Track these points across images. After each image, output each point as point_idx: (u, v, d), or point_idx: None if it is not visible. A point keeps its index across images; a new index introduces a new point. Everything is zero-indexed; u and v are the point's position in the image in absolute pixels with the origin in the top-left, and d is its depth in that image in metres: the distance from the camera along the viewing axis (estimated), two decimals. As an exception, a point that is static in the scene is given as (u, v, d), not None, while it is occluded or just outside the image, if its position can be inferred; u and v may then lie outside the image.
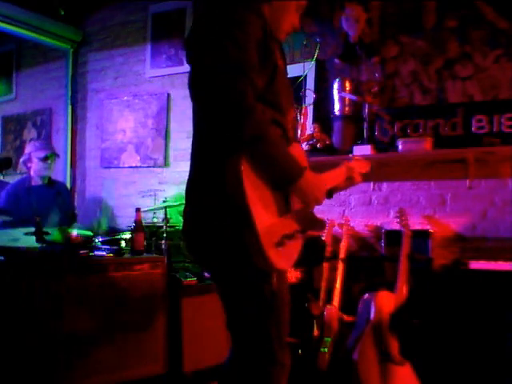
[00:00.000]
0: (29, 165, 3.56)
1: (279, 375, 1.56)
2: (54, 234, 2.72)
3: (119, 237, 3.17)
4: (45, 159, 3.52)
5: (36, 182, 3.57)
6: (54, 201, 3.56)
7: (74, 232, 2.79)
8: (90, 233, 3.11)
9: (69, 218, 3.63)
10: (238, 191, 1.34)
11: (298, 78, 3.49)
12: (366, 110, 3.28)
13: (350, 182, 1.82)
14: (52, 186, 3.63)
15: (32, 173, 3.56)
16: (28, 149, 3.61)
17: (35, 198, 3.40)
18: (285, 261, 1.47)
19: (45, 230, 2.63)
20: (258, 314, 1.50)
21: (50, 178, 3.65)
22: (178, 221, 4.11)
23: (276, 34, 1.56)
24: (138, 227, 2.92)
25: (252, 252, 1.36)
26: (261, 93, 1.38)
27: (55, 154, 3.65)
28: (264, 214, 1.38)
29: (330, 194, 1.74)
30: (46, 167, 3.55)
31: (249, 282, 1.48)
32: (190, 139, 1.61)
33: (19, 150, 5.03)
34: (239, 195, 1.34)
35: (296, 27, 1.66)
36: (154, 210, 3.61)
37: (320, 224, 1.76)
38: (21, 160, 3.63)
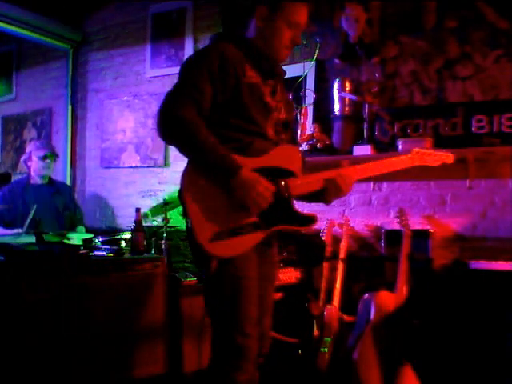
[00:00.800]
0: (29, 163, 3.57)
1: (239, 364, 1.65)
2: (50, 238, 2.73)
3: (119, 237, 3.17)
4: (44, 158, 3.53)
5: (35, 181, 3.57)
6: (51, 200, 3.55)
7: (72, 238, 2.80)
8: (89, 234, 3.11)
9: (69, 218, 3.62)
10: (183, 194, 1.65)
11: (297, 78, 3.49)
12: (366, 110, 3.28)
13: (335, 190, 1.83)
14: (51, 186, 3.63)
15: (32, 172, 3.58)
16: (29, 148, 3.63)
17: (32, 197, 3.39)
18: (226, 249, 1.65)
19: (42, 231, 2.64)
20: (212, 297, 1.74)
21: (50, 178, 3.66)
22: (178, 221, 4.12)
23: (271, 51, 1.78)
24: (138, 227, 2.92)
25: (193, 244, 1.68)
26: (222, 105, 1.69)
27: (55, 154, 3.66)
28: (204, 214, 1.64)
29: (311, 197, 1.87)
30: (46, 166, 3.55)
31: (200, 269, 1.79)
32: (190, 139, 1.66)
33: (19, 150, 5.04)
34: (182, 198, 1.65)
35: (296, 42, 1.80)
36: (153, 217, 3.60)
37: (308, 220, 1.82)
38: (21, 159, 3.66)
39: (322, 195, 1.85)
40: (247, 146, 1.73)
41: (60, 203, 3.59)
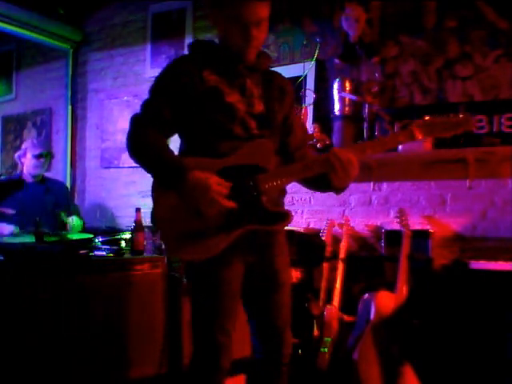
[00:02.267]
0: (22, 160, 3.54)
1: (205, 364, 1.77)
2: (50, 238, 2.73)
3: (119, 237, 3.17)
4: (39, 157, 3.50)
5: (27, 178, 3.53)
6: (43, 199, 3.52)
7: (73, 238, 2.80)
8: (89, 234, 3.11)
9: (60, 216, 3.57)
10: (153, 201, 1.75)
11: (298, 77, 3.49)
12: (366, 110, 3.28)
13: (333, 171, 1.71)
14: (43, 184, 3.59)
15: (24, 169, 3.54)
16: (25, 145, 3.62)
17: (21, 196, 3.35)
18: (193, 254, 1.71)
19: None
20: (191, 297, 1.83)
21: (43, 176, 3.63)
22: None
23: (233, 51, 1.77)
24: (138, 227, 2.92)
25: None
26: (187, 117, 1.77)
27: (50, 154, 3.65)
28: (169, 221, 1.71)
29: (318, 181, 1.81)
30: (39, 165, 3.52)
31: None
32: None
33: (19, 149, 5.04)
34: (152, 212, 1.75)
35: (250, 39, 1.73)
36: None
37: (280, 217, 1.78)
38: (16, 154, 3.63)
39: (324, 181, 1.77)
40: (213, 149, 1.75)
41: (51, 202, 3.55)
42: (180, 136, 1.86)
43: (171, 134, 1.84)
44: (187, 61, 1.82)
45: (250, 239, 1.76)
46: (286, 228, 1.92)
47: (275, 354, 1.88)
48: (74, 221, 3.34)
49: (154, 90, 1.81)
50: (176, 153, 1.81)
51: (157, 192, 1.75)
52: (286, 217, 1.77)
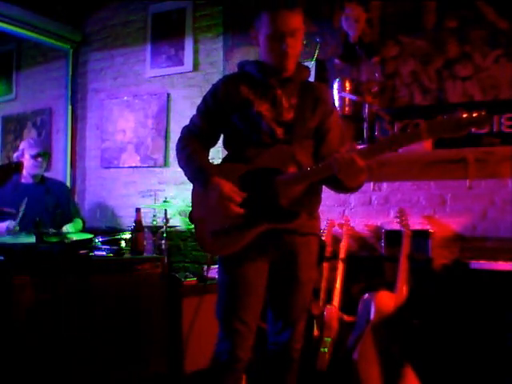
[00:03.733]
0: (21, 160, 3.55)
1: (225, 357, 1.89)
2: (50, 238, 2.72)
3: (119, 237, 3.17)
4: (36, 157, 3.49)
5: (27, 179, 3.52)
6: (42, 199, 3.51)
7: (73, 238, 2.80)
8: (89, 234, 3.11)
9: (61, 216, 3.57)
10: (191, 202, 2.02)
11: (298, 78, 3.49)
12: (366, 110, 3.28)
13: (340, 171, 1.74)
14: (42, 185, 3.58)
15: (23, 170, 3.54)
16: (22, 145, 3.60)
17: (21, 195, 3.35)
18: (218, 248, 1.96)
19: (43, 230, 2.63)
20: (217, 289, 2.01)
21: (42, 177, 3.63)
22: (178, 221, 4.12)
23: (271, 64, 1.92)
24: (138, 227, 2.92)
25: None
26: (225, 131, 2.04)
27: (47, 153, 3.64)
28: (201, 218, 1.97)
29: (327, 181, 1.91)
30: (37, 165, 3.52)
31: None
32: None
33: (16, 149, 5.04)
34: (191, 207, 2.02)
35: (284, 52, 1.86)
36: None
37: (291, 215, 1.89)
38: (14, 155, 3.64)
39: (337, 182, 1.84)
40: (242, 155, 1.95)
41: (51, 202, 3.54)
42: (223, 145, 2.09)
43: (210, 144, 2.08)
44: (228, 80, 2.03)
45: (274, 238, 1.90)
46: (312, 228, 2.01)
47: (284, 346, 1.99)
48: (67, 230, 3.33)
49: (198, 106, 2.07)
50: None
51: (193, 194, 2.01)
52: (296, 214, 1.87)
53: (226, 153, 2.08)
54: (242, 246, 1.87)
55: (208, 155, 2.07)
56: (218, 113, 1.99)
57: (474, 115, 1.62)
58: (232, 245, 1.89)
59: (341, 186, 1.90)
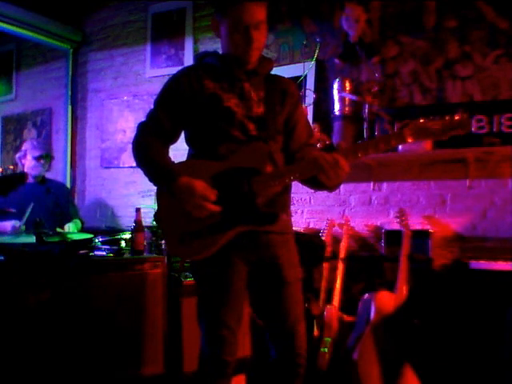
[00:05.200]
0: (23, 161, 3.59)
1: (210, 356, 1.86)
2: (50, 238, 2.72)
3: (119, 237, 3.17)
4: (38, 158, 3.53)
5: (28, 179, 3.55)
6: (43, 199, 3.52)
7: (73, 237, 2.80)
8: (89, 234, 3.11)
9: (60, 216, 3.58)
10: (157, 203, 1.91)
11: (298, 77, 3.49)
12: (366, 110, 3.28)
13: (322, 172, 1.74)
14: (43, 185, 3.59)
15: (25, 170, 3.58)
16: (25, 146, 3.64)
17: (22, 195, 3.36)
18: (190, 252, 1.84)
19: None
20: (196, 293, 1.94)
21: (43, 177, 3.65)
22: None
23: (235, 56, 1.85)
24: (138, 227, 2.92)
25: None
26: (190, 126, 1.92)
27: (50, 156, 3.67)
28: (170, 222, 1.85)
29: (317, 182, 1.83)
30: (39, 166, 3.55)
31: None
32: (190, 139, 1.69)
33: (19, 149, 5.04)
34: (156, 213, 1.91)
35: (248, 44, 1.80)
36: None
37: (269, 218, 1.83)
38: (16, 155, 3.67)
39: (318, 180, 1.80)
40: (213, 152, 1.85)
41: (52, 202, 3.56)
42: (186, 141, 1.98)
43: (171, 142, 1.95)
44: (189, 71, 1.93)
45: (251, 239, 1.82)
46: (287, 227, 1.95)
47: (288, 353, 1.89)
48: (69, 228, 3.34)
49: (157, 101, 1.95)
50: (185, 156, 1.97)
51: (159, 194, 1.90)
52: (275, 217, 1.81)
53: (190, 149, 1.99)
54: (215, 250, 1.78)
55: (168, 153, 1.94)
56: (182, 107, 1.88)
57: (456, 118, 1.65)
58: (204, 249, 1.79)
59: (320, 185, 1.86)
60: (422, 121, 1.70)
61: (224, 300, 1.84)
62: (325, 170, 1.71)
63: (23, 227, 3.07)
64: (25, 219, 3.05)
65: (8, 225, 3.11)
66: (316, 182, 1.82)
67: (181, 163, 1.91)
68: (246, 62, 1.86)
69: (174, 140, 1.96)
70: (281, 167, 1.87)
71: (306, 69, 3.52)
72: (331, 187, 1.88)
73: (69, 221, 3.51)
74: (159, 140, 1.89)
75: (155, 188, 1.93)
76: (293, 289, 1.90)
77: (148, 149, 1.88)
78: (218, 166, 1.82)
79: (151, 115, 1.93)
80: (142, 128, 1.93)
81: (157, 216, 1.90)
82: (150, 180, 1.88)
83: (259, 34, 1.82)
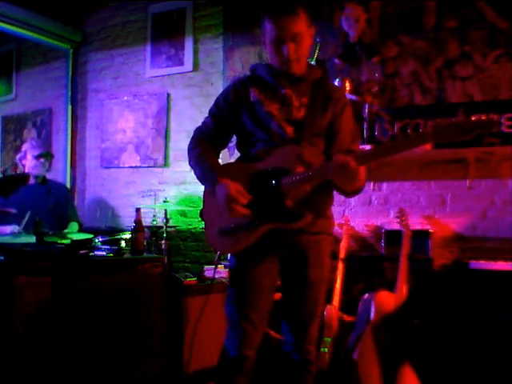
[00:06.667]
0: (23, 162, 3.58)
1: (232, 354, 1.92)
2: (50, 238, 2.72)
3: (119, 237, 3.17)
4: (38, 157, 3.52)
5: (29, 180, 3.55)
6: (44, 200, 3.52)
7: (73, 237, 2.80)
8: (89, 234, 3.11)
9: (59, 217, 3.58)
10: (203, 200, 2.08)
11: (298, 77, 3.49)
12: (366, 110, 3.29)
13: (336, 176, 1.76)
14: (44, 185, 3.60)
15: (26, 171, 3.57)
16: (24, 146, 3.64)
17: (22, 196, 3.36)
18: (226, 246, 2.01)
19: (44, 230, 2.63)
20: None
21: (44, 178, 3.65)
22: (178, 221, 4.12)
23: (278, 68, 1.95)
24: (138, 227, 2.92)
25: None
26: (237, 131, 2.07)
27: (50, 154, 3.66)
28: (210, 218, 2.03)
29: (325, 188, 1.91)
30: (39, 166, 3.54)
31: None
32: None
33: (19, 150, 5.03)
34: (202, 205, 2.08)
35: (285, 56, 1.89)
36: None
37: (294, 216, 1.89)
38: (17, 157, 3.67)
39: (335, 185, 1.87)
40: (250, 154, 2.00)
41: (52, 203, 3.56)
42: (235, 146, 2.14)
43: (220, 146, 2.13)
44: (238, 82, 2.07)
45: (282, 237, 1.91)
46: (322, 227, 1.99)
47: (299, 347, 1.98)
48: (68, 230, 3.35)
49: (210, 109, 2.11)
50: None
51: (205, 193, 2.07)
52: (300, 216, 1.85)
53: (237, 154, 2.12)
54: (246, 246, 1.90)
55: (218, 156, 2.10)
56: (230, 115, 2.03)
57: (483, 118, 1.61)
58: (237, 244, 1.92)
59: (339, 189, 1.91)
60: (445, 122, 1.71)
61: (249, 296, 1.94)
62: (335, 172, 1.74)
63: (22, 233, 3.07)
64: (23, 225, 3.05)
65: (7, 230, 3.11)
66: (335, 186, 1.89)
67: (224, 165, 2.10)
68: (287, 72, 1.94)
69: (225, 144, 2.15)
70: (311, 169, 1.88)
71: (306, 69, 3.52)
72: (347, 192, 1.92)
73: (67, 222, 3.52)
74: (209, 144, 2.06)
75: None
76: (315, 289, 1.98)
77: (197, 152, 2.03)
78: (253, 167, 1.95)
79: (204, 121, 2.11)
80: (195, 132, 2.12)
81: (202, 211, 2.09)
82: (198, 178, 2.04)
83: (296, 45, 1.88)
